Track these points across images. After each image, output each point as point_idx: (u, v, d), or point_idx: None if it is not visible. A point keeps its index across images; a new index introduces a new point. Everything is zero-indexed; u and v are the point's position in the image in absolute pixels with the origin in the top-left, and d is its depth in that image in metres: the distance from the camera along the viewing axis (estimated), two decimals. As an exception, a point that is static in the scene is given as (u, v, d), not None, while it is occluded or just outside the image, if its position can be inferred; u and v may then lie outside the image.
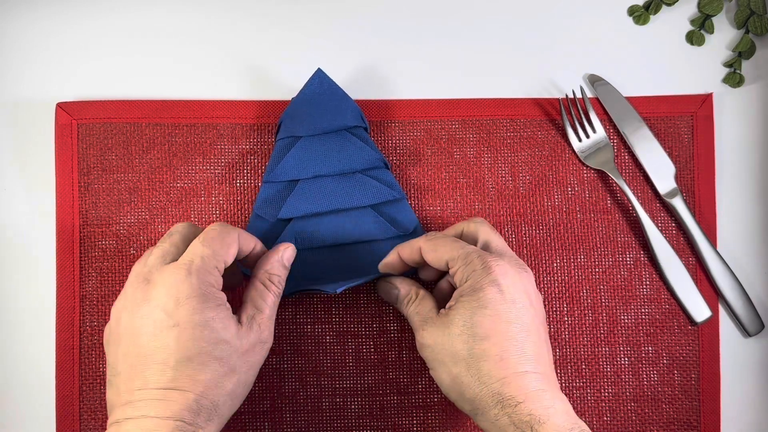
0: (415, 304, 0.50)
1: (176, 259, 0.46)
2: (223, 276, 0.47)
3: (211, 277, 0.45)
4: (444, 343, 0.46)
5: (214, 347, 0.44)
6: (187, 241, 0.48)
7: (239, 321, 0.46)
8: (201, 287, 0.44)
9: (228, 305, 0.46)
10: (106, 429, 0.45)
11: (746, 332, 0.57)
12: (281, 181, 0.54)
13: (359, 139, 0.54)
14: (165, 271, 0.45)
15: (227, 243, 0.47)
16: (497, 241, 0.49)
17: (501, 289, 0.46)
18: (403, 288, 0.51)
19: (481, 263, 0.47)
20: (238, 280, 0.53)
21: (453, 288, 0.50)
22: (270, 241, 0.54)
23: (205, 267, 0.45)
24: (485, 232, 0.50)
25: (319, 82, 0.55)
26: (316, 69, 0.55)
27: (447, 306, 0.47)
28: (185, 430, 0.42)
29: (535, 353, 0.45)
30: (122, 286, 0.51)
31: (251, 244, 0.50)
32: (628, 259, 0.57)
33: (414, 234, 0.54)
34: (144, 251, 0.52)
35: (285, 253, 0.50)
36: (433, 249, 0.49)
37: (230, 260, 0.47)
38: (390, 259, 0.52)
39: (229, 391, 0.45)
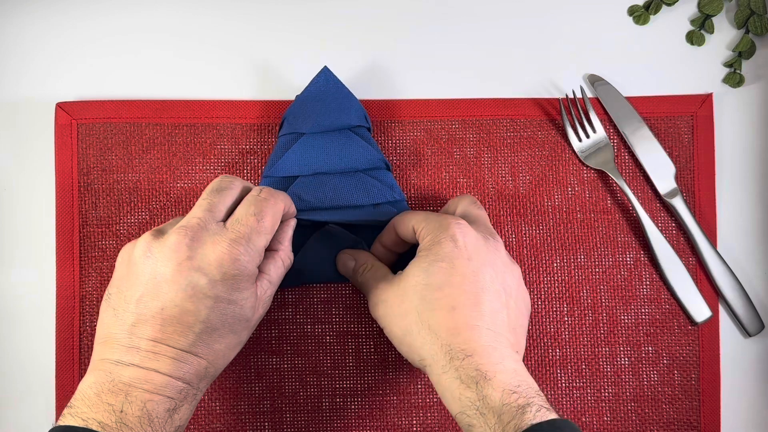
0: (370, 272, 0.51)
1: (223, 219, 0.45)
2: None
3: (259, 258, 0.46)
4: (397, 296, 0.46)
5: (235, 323, 0.45)
6: (236, 200, 0.47)
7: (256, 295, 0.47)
8: (246, 268, 0.44)
9: (257, 285, 0.46)
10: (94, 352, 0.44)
11: (746, 332, 0.57)
12: (281, 177, 0.54)
13: (362, 139, 0.54)
14: (216, 245, 0.44)
15: (278, 218, 0.47)
16: (475, 212, 0.50)
17: (457, 245, 0.46)
18: (360, 258, 0.52)
19: (441, 221, 0.47)
20: None
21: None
22: None
23: (257, 248, 0.45)
24: (464, 204, 0.51)
25: (325, 80, 0.55)
26: (322, 66, 0.55)
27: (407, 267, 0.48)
28: (189, 392, 0.43)
29: (491, 311, 0.45)
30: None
31: (290, 206, 0.49)
32: (628, 259, 0.57)
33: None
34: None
35: (291, 222, 0.50)
36: (402, 220, 0.50)
37: (269, 238, 0.47)
38: (373, 250, 0.53)
39: (230, 358, 0.46)
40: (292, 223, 0.50)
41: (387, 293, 0.48)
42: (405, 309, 0.46)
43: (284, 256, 0.49)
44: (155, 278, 0.43)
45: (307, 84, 0.55)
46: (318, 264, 0.54)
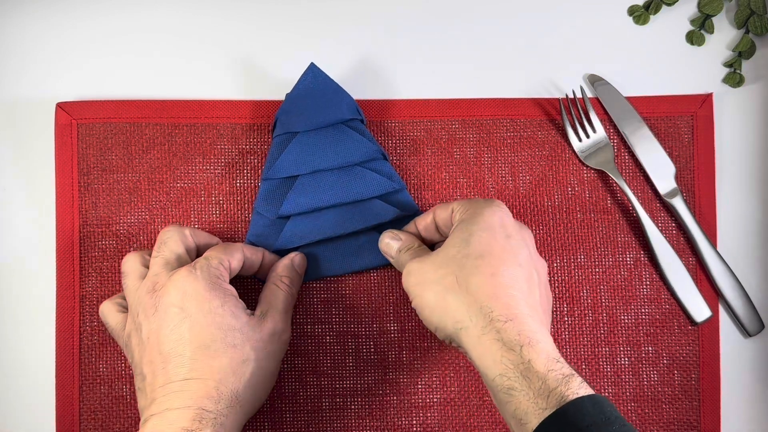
0: (414, 250, 0.50)
1: (178, 266, 0.49)
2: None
3: (215, 272, 0.48)
4: (434, 264, 0.46)
5: (226, 334, 0.46)
6: (180, 243, 0.50)
7: (253, 314, 0.49)
8: (206, 279, 0.47)
9: (238, 299, 0.48)
10: None
11: (746, 332, 0.57)
12: (280, 178, 0.54)
13: (356, 132, 0.54)
14: (172, 276, 0.47)
15: (229, 250, 0.50)
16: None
17: (502, 223, 0.47)
18: (406, 238, 0.52)
19: (481, 200, 0.48)
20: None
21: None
22: (272, 237, 0.54)
23: (208, 265, 0.48)
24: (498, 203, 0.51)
25: (313, 76, 0.55)
26: (309, 63, 0.55)
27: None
28: (206, 417, 0.43)
29: (528, 287, 0.45)
30: (122, 287, 0.51)
31: (258, 254, 0.52)
32: (628, 259, 0.57)
33: (416, 215, 0.55)
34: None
35: (295, 260, 0.53)
36: (444, 207, 0.50)
37: (236, 265, 0.50)
38: (407, 228, 0.53)
39: (248, 379, 0.46)
40: (292, 255, 0.53)
41: (423, 263, 0.47)
42: (442, 274, 0.46)
43: (281, 284, 0.51)
44: (151, 336, 0.47)
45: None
46: (323, 257, 0.54)
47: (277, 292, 0.51)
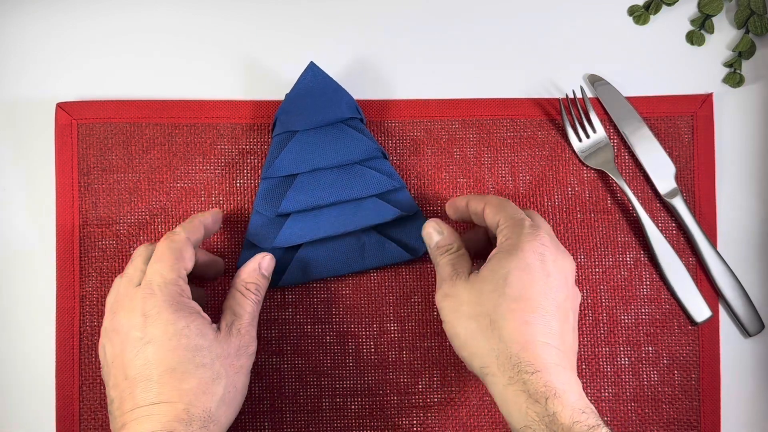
0: (454, 256, 0.49)
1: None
2: (197, 272, 0.50)
3: (176, 288, 0.46)
4: (471, 297, 0.46)
5: (194, 355, 0.45)
6: (148, 262, 0.49)
7: (219, 329, 0.47)
8: (168, 300, 0.45)
9: (203, 314, 0.47)
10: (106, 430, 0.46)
11: (746, 332, 0.57)
12: (280, 177, 0.54)
13: (356, 131, 0.54)
14: (130, 296, 0.46)
15: (178, 251, 0.48)
16: (546, 227, 0.49)
17: (543, 259, 0.46)
18: (449, 236, 0.51)
19: (530, 228, 0.47)
20: (218, 269, 0.54)
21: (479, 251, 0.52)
22: (271, 235, 0.53)
23: (165, 281, 0.46)
24: (538, 218, 0.50)
25: (313, 75, 0.55)
26: (308, 63, 0.55)
27: (483, 266, 0.47)
28: None
29: (560, 331, 0.45)
30: None
31: (200, 231, 0.50)
32: (628, 259, 0.57)
33: (417, 215, 0.55)
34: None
35: (263, 262, 0.51)
36: (497, 206, 0.49)
37: (189, 265, 0.48)
38: (459, 201, 0.52)
39: (220, 396, 0.45)
40: (259, 258, 0.51)
41: (460, 289, 0.46)
42: (477, 312, 0.45)
43: (247, 292, 0.50)
44: (115, 360, 0.46)
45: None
46: (324, 257, 0.54)
47: (243, 301, 0.49)
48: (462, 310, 0.46)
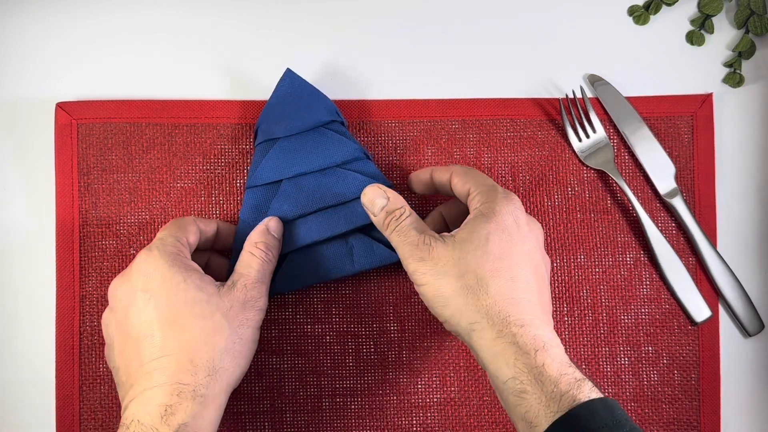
0: (412, 219, 0.48)
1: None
2: (220, 244, 0.53)
3: (173, 249, 0.48)
4: (453, 257, 0.45)
5: (192, 307, 0.46)
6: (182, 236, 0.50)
7: (223, 285, 0.48)
8: (165, 257, 0.47)
9: (203, 273, 0.48)
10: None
11: (746, 332, 0.57)
12: (263, 185, 0.53)
13: (336, 133, 0.54)
14: (134, 262, 0.48)
15: (182, 223, 0.50)
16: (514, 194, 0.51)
17: (518, 222, 0.47)
18: (396, 199, 0.49)
19: (504, 193, 0.48)
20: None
21: (446, 221, 0.53)
22: None
23: (164, 243, 0.48)
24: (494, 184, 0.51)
25: (290, 81, 0.54)
26: (285, 69, 0.55)
27: (458, 229, 0.47)
28: (184, 390, 0.44)
29: (539, 289, 0.46)
30: None
31: (212, 224, 0.52)
32: (628, 259, 0.57)
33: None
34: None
35: (270, 224, 0.52)
36: (465, 174, 0.50)
37: (193, 239, 0.50)
38: (422, 173, 0.53)
39: (223, 346, 0.46)
40: (265, 221, 0.52)
41: (439, 251, 0.46)
42: (462, 271, 0.45)
43: (255, 250, 0.50)
44: (121, 325, 0.47)
45: (287, 87, 0.55)
46: (312, 263, 0.53)
47: (251, 260, 0.49)
48: (444, 270, 0.45)
